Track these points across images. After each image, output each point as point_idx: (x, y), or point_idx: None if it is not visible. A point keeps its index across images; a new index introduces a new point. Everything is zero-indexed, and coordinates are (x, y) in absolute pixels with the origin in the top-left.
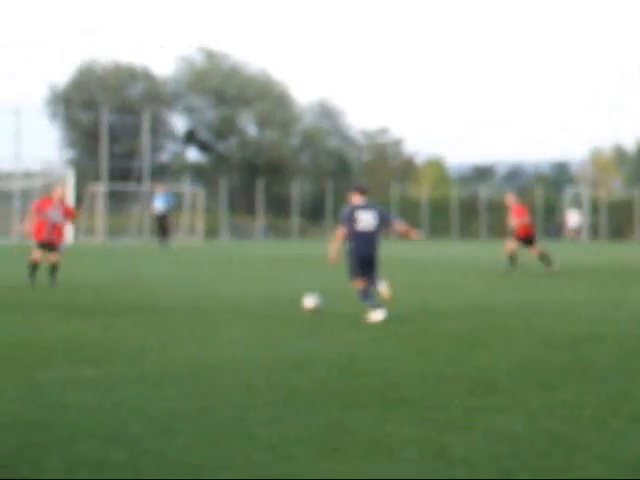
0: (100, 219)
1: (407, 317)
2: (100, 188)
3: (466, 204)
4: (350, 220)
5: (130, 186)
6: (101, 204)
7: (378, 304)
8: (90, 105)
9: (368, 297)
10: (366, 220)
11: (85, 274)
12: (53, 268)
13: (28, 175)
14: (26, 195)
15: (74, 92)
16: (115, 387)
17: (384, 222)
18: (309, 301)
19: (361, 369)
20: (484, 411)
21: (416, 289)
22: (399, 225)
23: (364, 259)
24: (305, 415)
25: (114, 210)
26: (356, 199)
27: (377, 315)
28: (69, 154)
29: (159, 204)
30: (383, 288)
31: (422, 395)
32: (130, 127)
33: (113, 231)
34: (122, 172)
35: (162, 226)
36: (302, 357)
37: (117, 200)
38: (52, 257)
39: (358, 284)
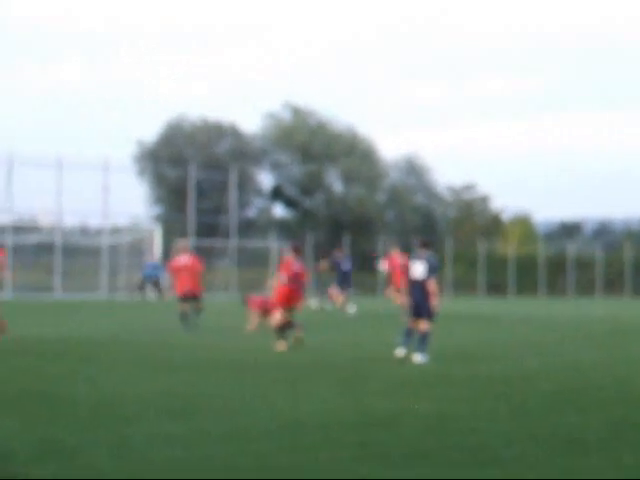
0: None
1: (498, 375)
2: (187, 244)
3: (554, 261)
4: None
5: (217, 242)
6: None
7: (402, 346)
8: (178, 161)
9: (406, 336)
10: (416, 270)
11: (173, 329)
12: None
13: (116, 231)
14: (114, 251)
15: (162, 148)
16: (204, 443)
17: (432, 273)
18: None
19: (452, 428)
20: (577, 471)
21: (505, 347)
22: (430, 285)
23: (415, 304)
24: (395, 473)
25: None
26: (420, 252)
27: (398, 352)
28: (156, 210)
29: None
30: (418, 359)
31: (515, 455)
32: (217, 183)
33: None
34: (209, 228)
35: (142, 285)
36: (392, 414)
37: (204, 256)
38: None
39: (410, 323)
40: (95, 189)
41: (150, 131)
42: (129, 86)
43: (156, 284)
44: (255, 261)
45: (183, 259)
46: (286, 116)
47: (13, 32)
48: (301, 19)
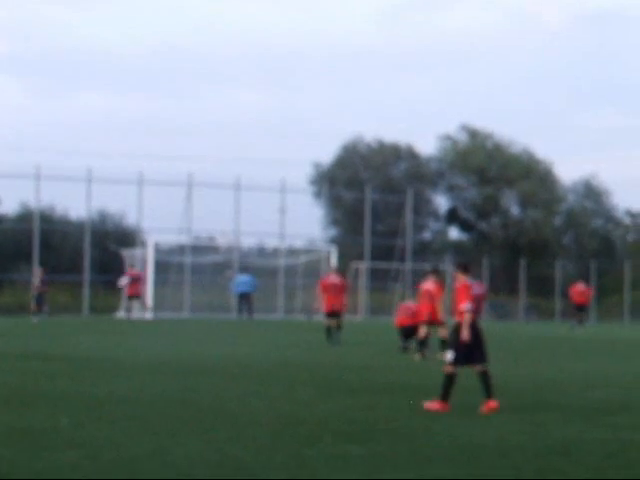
0: (362, 297)
1: None
2: (363, 266)
3: None
4: None
5: (392, 264)
6: (364, 282)
7: None
8: (354, 183)
9: None
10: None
11: (348, 351)
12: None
13: (292, 252)
14: (290, 271)
15: (338, 170)
16: (382, 466)
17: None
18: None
19: (632, 457)
20: None
21: None
22: None
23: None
24: None
25: (376, 288)
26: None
27: None
28: (332, 232)
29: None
30: None
31: None
32: (393, 205)
33: (374, 309)
34: (384, 250)
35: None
36: (569, 441)
37: (379, 278)
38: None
39: None
40: (272, 210)
41: (326, 153)
42: (305, 109)
43: (247, 300)
44: None
45: (332, 278)
46: (462, 138)
47: (197, 58)
48: (479, 45)
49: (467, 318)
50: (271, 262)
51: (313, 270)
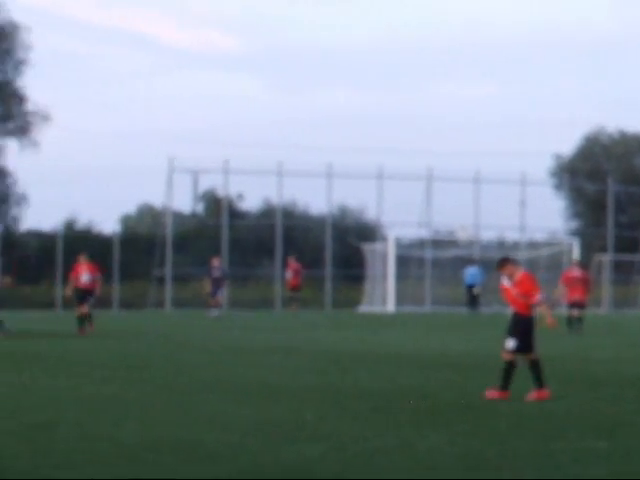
0: (606, 290)
1: None
2: (606, 258)
3: None
4: None
5: (637, 257)
6: (607, 274)
7: None
8: (596, 175)
9: None
10: None
11: (592, 344)
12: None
13: (533, 245)
14: (532, 265)
15: (579, 162)
16: (629, 460)
17: None
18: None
19: None
20: None
21: None
22: None
23: None
24: None
25: (620, 281)
26: None
27: None
28: (574, 224)
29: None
30: None
31: None
32: (637, 196)
33: (618, 302)
34: (628, 242)
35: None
36: None
37: (623, 271)
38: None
39: None
40: (512, 203)
41: (568, 145)
42: (545, 100)
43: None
44: None
45: (574, 271)
46: None
47: (429, 52)
48: None
49: None
50: (512, 255)
51: (555, 263)
